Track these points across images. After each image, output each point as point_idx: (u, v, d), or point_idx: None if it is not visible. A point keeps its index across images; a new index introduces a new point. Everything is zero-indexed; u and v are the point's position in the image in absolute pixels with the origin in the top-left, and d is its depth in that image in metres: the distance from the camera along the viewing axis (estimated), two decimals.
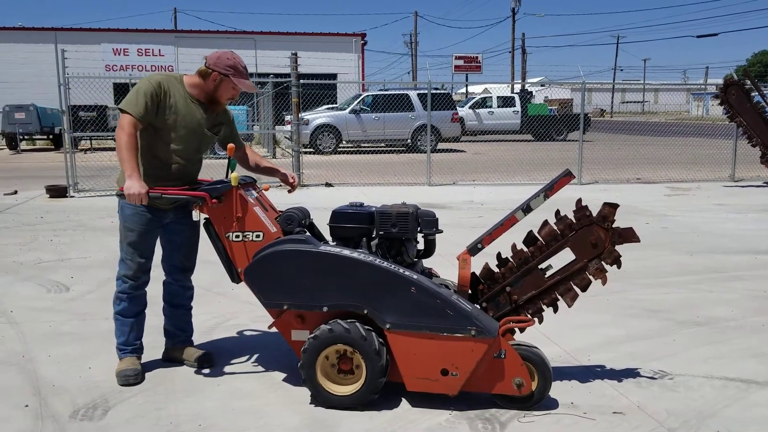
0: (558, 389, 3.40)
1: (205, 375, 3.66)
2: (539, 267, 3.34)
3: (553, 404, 3.24)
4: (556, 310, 3.40)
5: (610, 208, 3.26)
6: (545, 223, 3.37)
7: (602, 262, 3.28)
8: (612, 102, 65.87)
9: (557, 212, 3.37)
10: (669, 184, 12.67)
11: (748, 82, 11.80)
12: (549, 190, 3.29)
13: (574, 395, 3.35)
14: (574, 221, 3.30)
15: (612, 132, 31.16)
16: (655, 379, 3.56)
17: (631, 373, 3.63)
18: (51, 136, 24.65)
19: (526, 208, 3.31)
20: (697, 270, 5.97)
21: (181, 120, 3.45)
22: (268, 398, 3.36)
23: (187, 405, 3.28)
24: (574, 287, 3.32)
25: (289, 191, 3.95)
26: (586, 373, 3.63)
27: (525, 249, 3.38)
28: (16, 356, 3.92)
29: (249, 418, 3.14)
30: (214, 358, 3.80)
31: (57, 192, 10.91)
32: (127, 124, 3.30)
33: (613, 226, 3.26)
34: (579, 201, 3.33)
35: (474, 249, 3.34)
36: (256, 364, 3.81)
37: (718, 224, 8.32)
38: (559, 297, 3.34)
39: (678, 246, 6.97)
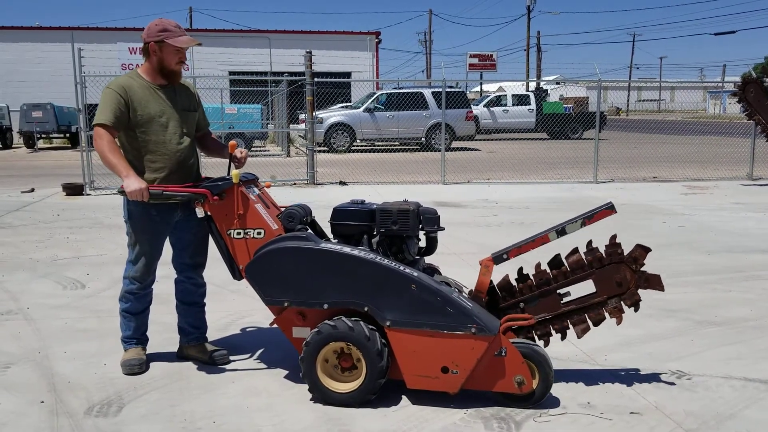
0: (575, 389, 3.37)
1: (220, 372, 3.66)
2: (558, 291, 3.33)
3: (569, 404, 3.21)
4: (563, 337, 3.40)
5: (642, 250, 3.25)
6: (575, 250, 3.35)
7: (622, 302, 3.27)
8: (628, 100, 65.46)
9: (589, 243, 3.35)
10: (686, 183, 12.53)
11: (767, 79, 11.66)
12: (588, 219, 3.27)
13: (591, 395, 3.31)
14: (605, 256, 3.28)
15: (628, 130, 30.95)
16: (673, 379, 3.52)
17: (649, 373, 3.59)
18: (68, 135, 24.93)
19: (561, 231, 3.28)
20: (715, 269, 5.90)
21: (153, 110, 3.48)
22: (282, 396, 3.35)
23: (201, 402, 3.28)
24: (588, 320, 3.32)
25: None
26: (603, 373, 3.59)
27: (548, 270, 3.36)
28: (33, 353, 3.94)
29: (263, 415, 3.14)
30: (228, 356, 3.80)
31: (73, 190, 11.00)
32: (104, 133, 3.36)
33: (642, 269, 3.25)
34: (613, 237, 3.30)
35: (499, 258, 3.32)
36: (270, 361, 3.81)
37: (737, 223, 8.22)
38: (570, 326, 3.34)
39: (696, 245, 6.89)
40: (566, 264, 3.33)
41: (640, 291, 3.28)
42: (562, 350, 3.85)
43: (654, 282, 3.26)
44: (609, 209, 3.26)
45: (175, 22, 3.53)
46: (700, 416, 3.09)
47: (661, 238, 7.18)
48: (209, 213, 3.44)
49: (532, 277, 3.38)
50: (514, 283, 3.42)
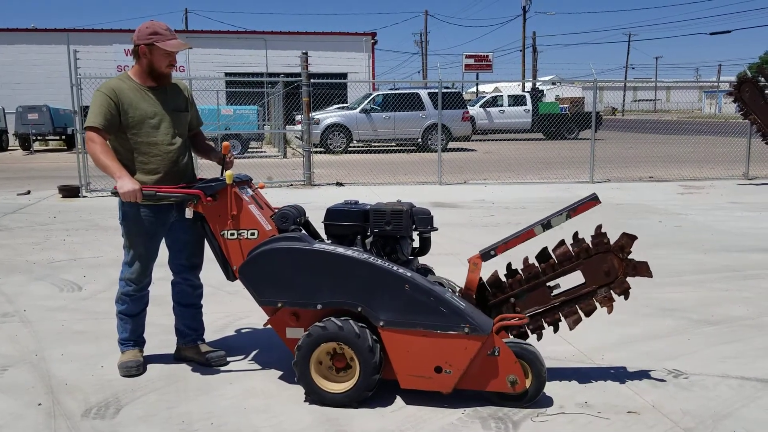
0: (572, 388, 3.38)
1: (217, 374, 3.65)
2: (547, 284, 3.33)
3: (567, 403, 3.21)
4: (556, 329, 3.41)
5: (629, 238, 3.25)
6: (561, 242, 3.36)
7: (611, 291, 3.28)
8: (623, 100, 65.52)
9: (575, 234, 3.36)
10: (682, 183, 12.56)
11: (762, 79, 11.70)
12: (572, 211, 3.27)
13: (588, 394, 3.32)
14: (591, 246, 3.29)
15: (624, 130, 30.99)
16: (671, 378, 3.52)
17: (646, 372, 3.59)
18: (63, 137, 24.86)
19: (546, 224, 3.28)
20: (712, 268, 5.91)
21: (144, 112, 3.48)
22: (280, 397, 3.35)
23: (199, 403, 3.28)
24: (579, 311, 3.32)
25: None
26: (600, 373, 3.60)
27: (536, 264, 3.36)
28: (30, 355, 3.93)
29: (261, 416, 3.14)
30: (225, 357, 3.80)
31: (69, 192, 10.97)
32: (95, 136, 3.37)
33: (629, 257, 3.25)
34: (599, 227, 3.31)
35: (486, 255, 3.32)
36: (267, 362, 3.80)
37: (733, 222, 8.24)
38: (562, 318, 3.34)
39: (692, 244, 6.90)
40: (554, 256, 3.34)
41: (629, 279, 3.28)
42: (560, 349, 3.86)
43: (642, 269, 3.26)
44: (593, 200, 3.27)
45: (166, 25, 3.53)
46: (697, 415, 3.10)
47: (657, 238, 7.20)
48: (203, 214, 3.44)
49: (520, 272, 3.38)
50: (503, 278, 3.42)
